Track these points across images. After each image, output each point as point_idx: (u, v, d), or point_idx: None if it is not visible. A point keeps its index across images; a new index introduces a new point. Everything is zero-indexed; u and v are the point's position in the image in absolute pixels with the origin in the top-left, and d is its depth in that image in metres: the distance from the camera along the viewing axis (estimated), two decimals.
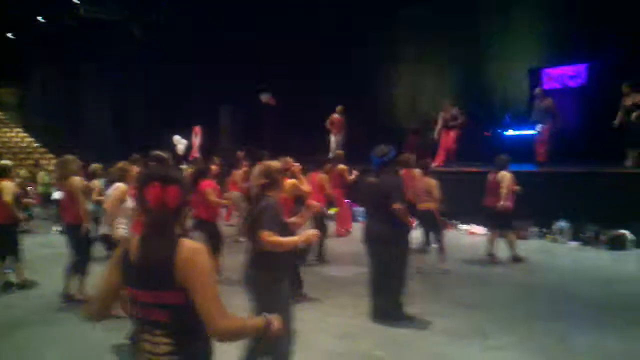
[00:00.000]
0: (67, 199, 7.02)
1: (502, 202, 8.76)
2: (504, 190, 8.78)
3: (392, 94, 19.04)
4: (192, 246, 2.31)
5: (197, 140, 19.57)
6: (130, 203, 6.17)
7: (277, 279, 4.18)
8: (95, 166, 9.55)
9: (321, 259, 9.36)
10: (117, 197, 6.32)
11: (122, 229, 6.24)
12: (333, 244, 10.33)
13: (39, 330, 6.24)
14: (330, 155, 13.62)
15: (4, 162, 8.05)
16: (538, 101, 12.68)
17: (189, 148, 19.36)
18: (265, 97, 18.66)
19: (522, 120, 14.53)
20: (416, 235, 9.64)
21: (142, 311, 2.31)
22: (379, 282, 6.29)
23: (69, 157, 7.25)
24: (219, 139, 19.93)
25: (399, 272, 6.19)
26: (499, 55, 16.06)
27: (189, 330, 2.31)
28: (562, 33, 14.22)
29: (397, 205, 5.86)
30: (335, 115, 15.94)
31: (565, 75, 14.45)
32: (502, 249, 9.28)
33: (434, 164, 13.56)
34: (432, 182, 8.51)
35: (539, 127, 12.66)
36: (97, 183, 9.09)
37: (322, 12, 17.65)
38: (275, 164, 4.49)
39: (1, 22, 25.25)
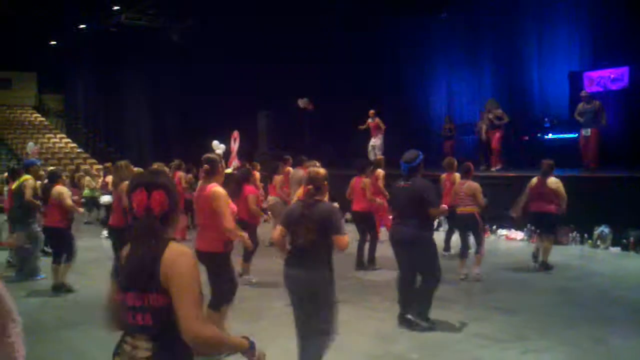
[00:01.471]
0: (117, 202, 7.11)
1: (562, 208, 8.69)
2: (562, 198, 8.65)
3: (428, 98, 19.01)
4: (178, 249, 2.34)
5: (235, 145, 19.75)
6: None
7: (333, 278, 4.40)
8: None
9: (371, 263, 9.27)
10: None
11: None
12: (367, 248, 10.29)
13: (90, 329, 6.26)
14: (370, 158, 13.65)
15: (53, 168, 8.29)
16: (584, 104, 12.18)
17: (227, 153, 19.53)
18: (303, 102, 18.71)
19: (563, 124, 14.34)
20: (455, 240, 9.67)
21: (128, 314, 2.35)
22: (405, 287, 6.23)
23: (123, 162, 7.36)
24: (257, 144, 20.09)
25: (424, 277, 6.14)
26: (539, 58, 15.90)
27: (170, 335, 2.31)
28: (604, 35, 14.02)
29: (434, 209, 5.94)
30: (369, 120, 15.99)
31: (607, 78, 14.19)
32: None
33: (493, 168, 13.52)
34: (476, 186, 8.35)
35: (587, 130, 12.15)
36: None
37: (355, 15, 17.69)
38: (322, 170, 4.60)
39: (44, 29, 25.87)
